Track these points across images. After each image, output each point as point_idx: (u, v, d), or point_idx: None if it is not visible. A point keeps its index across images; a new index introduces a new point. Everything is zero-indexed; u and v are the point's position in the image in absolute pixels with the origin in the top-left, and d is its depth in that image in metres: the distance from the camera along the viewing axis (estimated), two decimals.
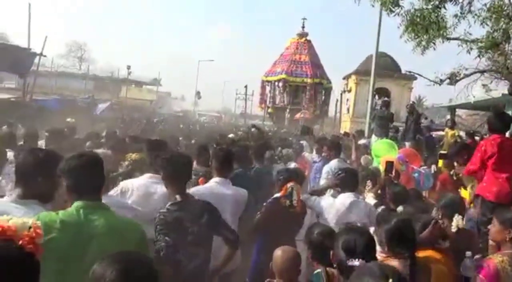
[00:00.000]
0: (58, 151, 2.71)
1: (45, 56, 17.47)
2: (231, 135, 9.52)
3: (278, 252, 2.54)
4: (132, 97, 36.19)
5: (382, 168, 5.41)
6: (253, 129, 11.06)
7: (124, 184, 3.13)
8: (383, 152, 6.46)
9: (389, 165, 4.86)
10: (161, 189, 3.06)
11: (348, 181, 3.92)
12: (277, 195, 3.64)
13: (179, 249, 2.60)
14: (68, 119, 11.44)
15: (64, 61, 46.69)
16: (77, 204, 2.08)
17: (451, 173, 5.98)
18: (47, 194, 2.26)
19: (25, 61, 14.81)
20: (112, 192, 3.05)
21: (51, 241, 1.91)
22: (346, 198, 3.79)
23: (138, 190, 3.06)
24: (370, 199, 4.25)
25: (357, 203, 3.81)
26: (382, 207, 4.03)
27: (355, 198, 3.85)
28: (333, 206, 3.75)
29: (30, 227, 1.30)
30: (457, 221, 3.20)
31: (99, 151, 4.46)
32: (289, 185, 3.52)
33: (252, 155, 5.23)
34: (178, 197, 2.72)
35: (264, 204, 3.64)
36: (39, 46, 16.05)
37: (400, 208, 3.71)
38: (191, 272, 2.61)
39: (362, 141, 9.11)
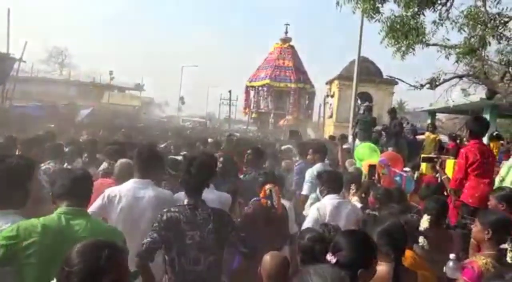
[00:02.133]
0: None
1: (24, 61, 17.22)
2: (210, 139, 9.53)
3: (266, 258, 2.53)
4: (114, 103, 35.76)
5: (364, 171, 5.48)
6: (229, 137, 11.07)
7: (110, 190, 3.10)
8: (365, 155, 6.55)
9: (372, 168, 4.93)
10: (148, 193, 3.09)
11: (333, 183, 3.95)
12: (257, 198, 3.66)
13: (173, 248, 2.60)
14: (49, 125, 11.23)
15: (44, 66, 45.98)
16: (59, 210, 2.16)
17: (436, 175, 6.08)
18: (21, 201, 2.28)
19: (4, 67, 14.53)
20: (99, 200, 3.03)
21: (32, 245, 1.97)
22: (332, 199, 3.82)
23: (127, 196, 3.04)
24: (355, 203, 4.30)
25: (345, 203, 3.86)
26: (368, 211, 4.08)
27: (341, 199, 3.90)
28: (324, 208, 3.75)
29: None
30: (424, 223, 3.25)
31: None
32: (267, 187, 3.55)
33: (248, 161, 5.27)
34: (186, 201, 2.75)
35: (246, 207, 3.66)
36: (18, 52, 15.80)
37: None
38: (196, 276, 2.61)
39: (345, 146, 9.21)
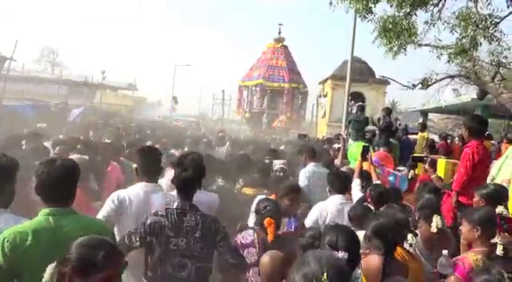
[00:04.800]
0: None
1: (15, 60, 17.05)
2: (205, 139, 9.57)
3: (265, 257, 2.49)
4: (107, 102, 35.52)
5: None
6: (220, 134, 11.32)
7: (119, 193, 2.94)
8: (358, 155, 6.58)
9: (365, 148, 4.70)
10: (158, 199, 2.93)
11: (336, 183, 3.95)
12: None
13: (155, 253, 2.51)
14: (39, 125, 11.13)
15: (36, 66, 45.58)
16: (44, 211, 2.08)
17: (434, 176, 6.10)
18: (8, 200, 2.26)
19: None
20: (109, 203, 2.89)
21: (26, 252, 1.92)
22: (336, 199, 3.83)
23: (136, 200, 2.90)
24: (356, 187, 4.24)
25: (348, 204, 3.83)
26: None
27: (345, 200, 3.88)
28: (325, 209, 3.75)
29: None
30: (436, 222, 3.25)
31: (75, 156, 4.28)
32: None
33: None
34: (175, 204, 2.62)
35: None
36: (9, 51, 15.65)
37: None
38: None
39: (338, 145, 9.23)
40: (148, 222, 2.52)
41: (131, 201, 2.89)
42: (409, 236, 2.88)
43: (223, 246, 2.63)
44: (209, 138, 10.80)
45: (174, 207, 2.61)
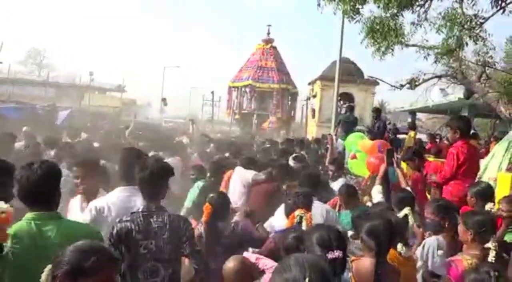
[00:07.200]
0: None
1: (1, 62, 16.81)
2: (185, 140, 9.52)
3: (229, 264, 2.42)
4: (95, 104, 35.19)
5: (366, 162, 5.54)
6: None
7: (96, 202, 2.89)
8: (356, 140, 6.76)
9: (390, 152, 4.46)
10: (139, 201, 2.84)
11: (305, 183, 3.98)
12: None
13: (124, 261, 2.41)
14: (25, 128, 10.94)
15: (22, 67, 45.01)
16: (27, 216, 2.05)
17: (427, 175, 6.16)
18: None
19: None
20: (87, 213, 2.83)
21: (5, 258, 1.88)
22: None
23: (115, 206, 2.84)
24: (376, 193, 4.05)
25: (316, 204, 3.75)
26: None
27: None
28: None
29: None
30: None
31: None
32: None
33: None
34: (141, 207, 2.56)
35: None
36: None
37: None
38: None
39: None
40: (115, 230, 2.43)
41: (109, 207, 2.83)
42: (399, 245, 2.79)
43: (187, 247, 2.56)
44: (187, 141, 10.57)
45: (140, 210, 2.54)
